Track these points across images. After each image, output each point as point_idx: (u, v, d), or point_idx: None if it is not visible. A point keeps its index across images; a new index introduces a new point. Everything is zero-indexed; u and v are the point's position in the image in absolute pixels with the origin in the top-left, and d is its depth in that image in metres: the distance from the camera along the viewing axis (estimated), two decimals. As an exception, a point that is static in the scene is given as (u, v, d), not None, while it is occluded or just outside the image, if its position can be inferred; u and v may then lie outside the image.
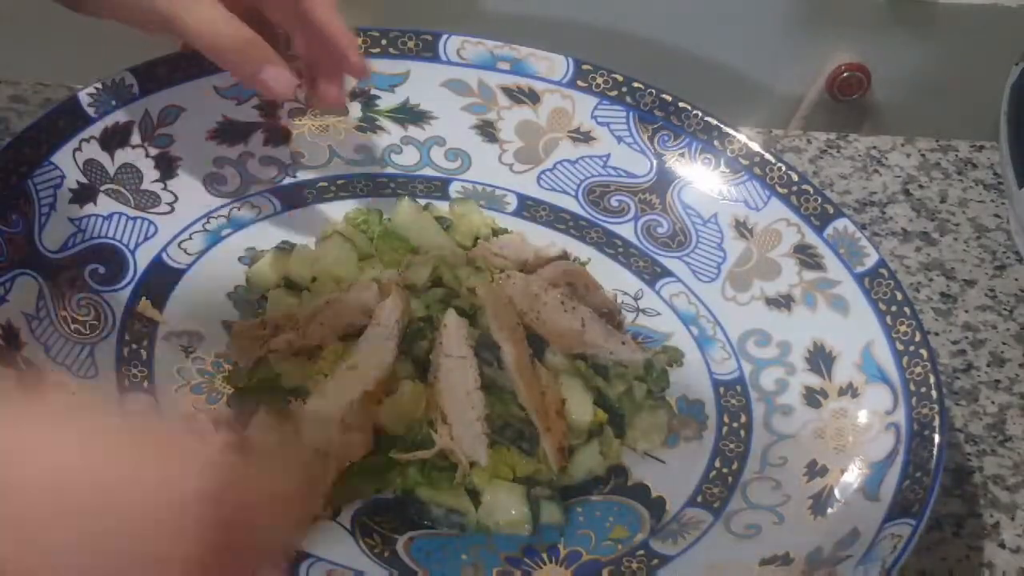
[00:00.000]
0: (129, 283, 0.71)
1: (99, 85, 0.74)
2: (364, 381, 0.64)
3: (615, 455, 0.69)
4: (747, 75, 1.24)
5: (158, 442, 0.46)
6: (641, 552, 0.65)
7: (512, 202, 0.81)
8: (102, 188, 0.73)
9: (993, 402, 0.79)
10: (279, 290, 0.72)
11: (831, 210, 0.76)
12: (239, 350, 0.67)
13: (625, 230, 0.80)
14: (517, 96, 0.83)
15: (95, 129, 0.73)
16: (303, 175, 0.80)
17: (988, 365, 0.81)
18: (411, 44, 0.82)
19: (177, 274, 0.73)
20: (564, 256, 0.75)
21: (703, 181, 0.80)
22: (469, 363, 0.65)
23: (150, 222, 0.74)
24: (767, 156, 0.79)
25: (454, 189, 0.81)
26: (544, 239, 0.78)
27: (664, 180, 0.81)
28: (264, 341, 0.67)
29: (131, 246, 0.73)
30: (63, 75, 0.88)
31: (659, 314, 0.77)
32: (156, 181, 0.75)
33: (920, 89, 1.24)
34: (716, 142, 0.80)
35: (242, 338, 0.67)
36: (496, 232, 0.78)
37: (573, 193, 0.82)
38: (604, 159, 0.82)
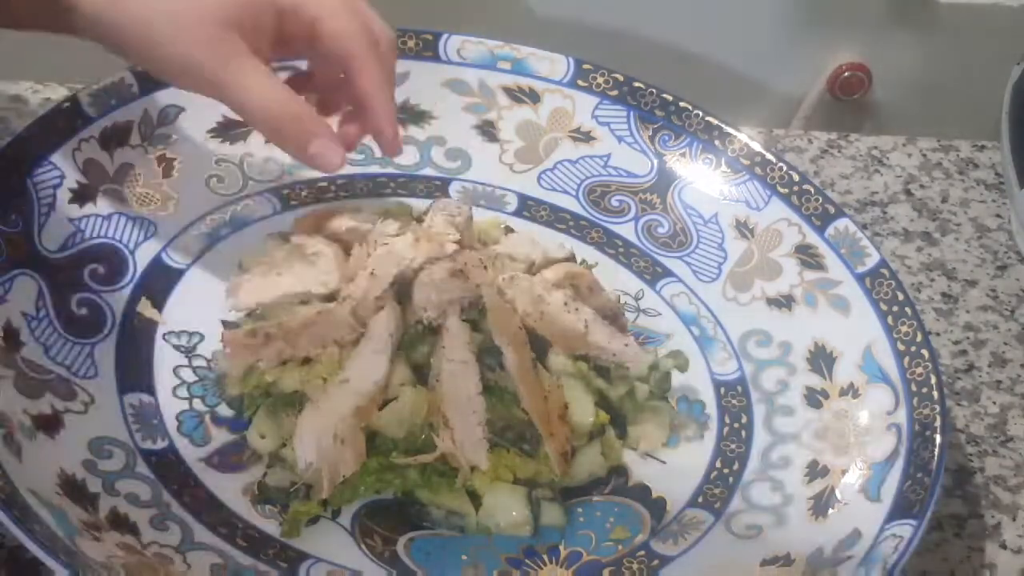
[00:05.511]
0: (129, 283, 0.71)
1: (99, 85, 0.74)
2: (356, 395, 0.64)
3: (616, 456, 0.69)
4: (748, 75, 1.24)
5: None
6: (642, 553, 0.65)
7: (512, 202, 0.81)
8: (102, 188, 0.73)
9: (994, 402, 0.78)
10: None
11: (832, 210, 0.76)
12: (229, 358, 0.67)
13: (626, 230, 0.80)
14: (518, 96, 0.83)
15: (95, 129, 0.73)
16: (303, 175, 0.80)
17: (989, 365, 0.81)
18: (411, 44, 0.82)
19: (177, 274, 0.73)
20: (571, 258, 0.75)
21: (704, 181, 0.80)
22: (471, 368, 0.65)
23: (150, 222, 0.74)
24: (768, 156, 0.79)
25: (454, 189, 0.81)
26: (544, 239, 0.78)
27: (665, 180, 0.81)
28: (254, 350, 0.67)
29: (131, 246, 0.73)
30: (63, 75, 0.88)
31: (660, 314, 0.77)
32: (156, 181, 0.75)
33: (921, 89, 1.24)
34: (717, 142, 0.80)
35: (232, 346, 0.67)
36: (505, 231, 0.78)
37: (573, 193, 0.82)
38: (605, 159, 0.82)
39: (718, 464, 0.69)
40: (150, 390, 0.68)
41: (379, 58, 0.67)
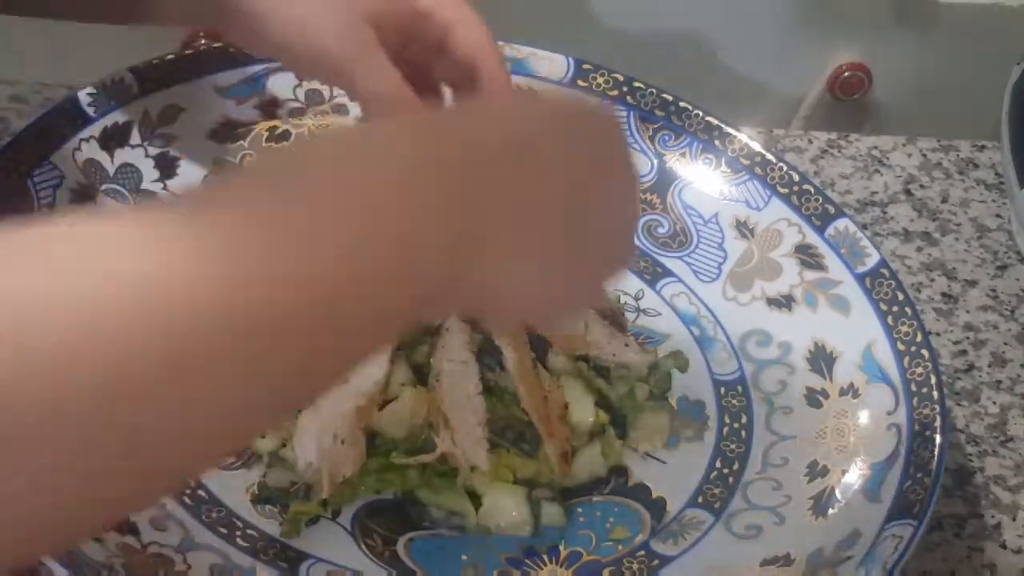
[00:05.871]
0: (129, 283, 0.71)
1: (99, 85, 0.74)
2: (356, 396, 0.64)
3: (616, 456, 0.69)
4: (748, 75, 1.24)
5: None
6: (642, 553, 0.65)
7: (512, 202, 0.81)
8: (102, 188, 0.73)
9: (994, 402, 0.78)
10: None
11: (832, 210, 0.76)
12: None
13: (626, 230, 0.80)
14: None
15: (95, 129, 0.73)
16: (303, 175, 0.79)
17: (989, 365, 0.81)
18: (411, 44, 0.82)
19: (177, 274, 0.73)
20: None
21: (704, 181, 0.80)
22: (471, 368, 0.65)
23: (150, 222, 0.74)
24: (768, 156, 0.79)
25: (454, 189, 0.81)
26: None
27: (665, 180, 0.81)
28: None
29: (131, 246, 0.72)
30: (63, 75, 0.88)
31: (660, 314, 0.77)
32: (156, 181, 0.75)
33: (921, 89, 1.24)
34: (717, 142, 0.80)
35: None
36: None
37: (574, 193, 0.81)
38: (605, 159, 0.82)
39: (718, 464, 0.69)
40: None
41: (506, 66, 0.68)
